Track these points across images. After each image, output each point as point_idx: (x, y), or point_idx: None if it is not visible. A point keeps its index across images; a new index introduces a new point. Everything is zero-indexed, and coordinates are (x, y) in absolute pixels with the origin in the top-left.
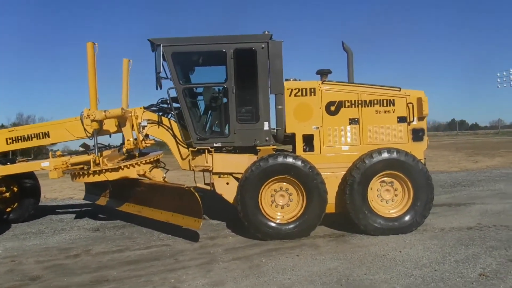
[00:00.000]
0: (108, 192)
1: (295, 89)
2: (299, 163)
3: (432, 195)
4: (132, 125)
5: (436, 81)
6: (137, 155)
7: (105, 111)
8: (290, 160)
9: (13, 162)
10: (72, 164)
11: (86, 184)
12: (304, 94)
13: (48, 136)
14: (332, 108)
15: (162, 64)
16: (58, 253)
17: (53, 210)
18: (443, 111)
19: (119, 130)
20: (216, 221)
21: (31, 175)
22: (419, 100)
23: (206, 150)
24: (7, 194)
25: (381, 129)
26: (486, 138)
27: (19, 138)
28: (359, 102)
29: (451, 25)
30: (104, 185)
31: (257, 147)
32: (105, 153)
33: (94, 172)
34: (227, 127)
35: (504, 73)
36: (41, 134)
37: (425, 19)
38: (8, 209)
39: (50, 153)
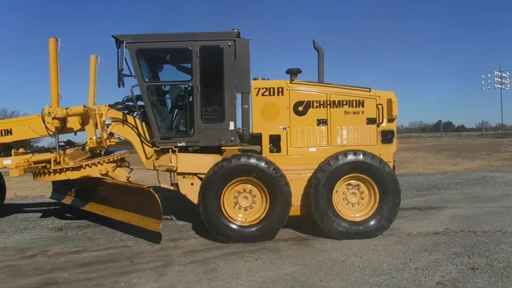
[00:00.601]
0: (73, 191)
1: (262, 88)
2: (262, 164)
3: (398, 199)
4: (96, 123)
5: (424, 82)
6: (103, 154)
7: (66, 109)
8: (253, 161)
9: None
10: (35, 162)
11: (53, 182)
12: (271, 94)
13: (11, 134)
14: (300, 108)
15: (126, 61)
16: (14, 253)
17: (20, 208)
18: (431, 113)
19: (83, 128)
20: (182, 222)
21: None
22: (389, 102)
23: (170, 150)
24: None
25: (349, 131)
26: (469, 140)
27: None
28: (328, 102)
29: (440, 25)
30: (70, 184)
31: (222, 147)
32: (68, 151)
33: (55, 171)
34: (191, 126)
35: (489, 75)
36: (3, 131)
37: (414, 17)
38: None
39: (12, 150)
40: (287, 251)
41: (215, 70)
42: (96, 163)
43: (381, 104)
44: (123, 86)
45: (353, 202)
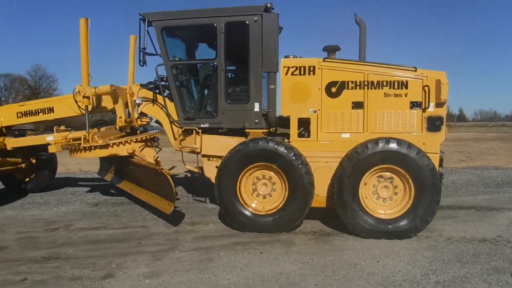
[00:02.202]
0: (113, 168)
1: (292, 67)
2: (281, 149)
3: (438, 197)
4: (126, 102)
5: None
6: (138, 133)
7: (95, 88)
8: (271, 145)
9: (23, 135)
10: (73, 139)
11: (100, 159)
12: (301, 73)
13: (53, 111)
14: (333, 90)
15: (151, 40)
16: (41, 225)
17: (75, 182)
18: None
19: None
20: (212, 205)
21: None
22: (438, 83)
23: (194, 131)
24: (23, 165)
25: (389, 116)
26: None
27: (28, 112)
28: (365, 83)
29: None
30: (112, 161)
31: (246, 130)
32: (102, 129)
33: (85, 148)
34: (215, 107)
35: None
36: (46, 109)
37: None
38: (27, 179)
39: (54, 127)
40: (299, 246)
41: (241, 47)
42: (123, 142)
43: (427, 86)
44: (146, 65)
45: (384, 197)
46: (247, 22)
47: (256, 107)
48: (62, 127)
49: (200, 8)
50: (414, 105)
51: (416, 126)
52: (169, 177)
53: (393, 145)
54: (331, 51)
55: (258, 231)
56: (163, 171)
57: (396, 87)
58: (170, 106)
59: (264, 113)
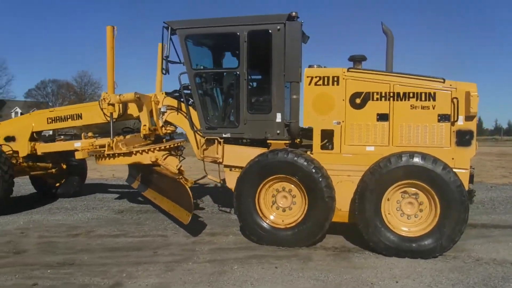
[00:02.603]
0: (140, 176)
1: (315, 77)
2: (301, 161)
3: (465, 215)
4: (151, 111)
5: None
6: (164, 141)
7: (119, 95)
8: (291, 157)
9: (53, 140)
10: (99, 146)
11: (129, 166)
12: (325, 83)
13: (81, 118)
14: (358, 101)
15: (175, 48)
16: (64, 231)
17: (106, 188)
18: None
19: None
20: (236, 217)
21: None
22: (467, 95)
23: (216, 141)
24: (53, 170)
25: (416, 129)
26: None
27: (57, 118)
28: (391, 94)
29: None
30: (140, 168)
31: (268, 141)
32: (128, 137)
33: (109, 156)
34: (237, 117)
35: None
36: (75, 115)
37: None
38: (57, 184)
39: (82, 134)
40: (317, 262)
41: (263, 57)
42: (147, 150)
43: (456, 98)
44: (168, 73)
45: (409, 213)
46: (270, 31)
47: (278, 118)
48: (90, 134)
49: (224, 17)
50: (442, 118)
51: (445, 140)
52: (187, 187)
53: (417, 160)
54: (357, 61)
55: (277, 244)
56: (181, 180)
57: (423, 99)
58: (194, 115)
59: (286, 124)
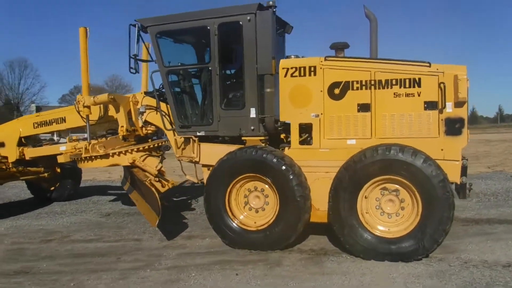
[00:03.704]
0: (129, 178)
1: (291, 68)
2: (270, 159)
3: (449, 213)
4: (130, 111)
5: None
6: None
7: (94, 97)
8: (259, 154)
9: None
10: (79, 149)
11: (124, 168)
12: (302, 74)
13: (65, 121)
14: (337, 91)
15: (146, 46)
16: (40, 236)
17: (105, 191)
18: None
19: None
20: None
21: None
22: (455, 79)
23: (191, 139)
24: (45, 174)
25: (400, 118)
26: None
27: (43, 122)
28: (372, 82)
29: None
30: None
31: (243, 138)
32: (110, 139)
33: (86, 159)
34: (210, 113)
35: None
36: (59, 119)
37: None
38: (52, 188)
39: (67, 138)
40: (284, 268)
41: (235, 50)
42: (124, 152)
43: (444, 83)
44: (138, 72)
45: (389, 212)
46: (240, 22)
47: (252, 113)
48: (74, 137)
49: (195, 10)
50: (429, 105)
51: (432, 129)
52: (153, 189)
53: (394, 153)
54: (339, 48)
55: (249, 248)
56: (146, 182)
57: (407, 85)
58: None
59: (261, 119)
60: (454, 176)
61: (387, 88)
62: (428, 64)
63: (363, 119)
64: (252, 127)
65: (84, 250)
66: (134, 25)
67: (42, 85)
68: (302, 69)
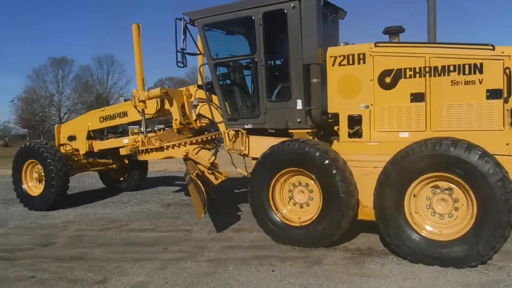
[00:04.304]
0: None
1: (339, 56)
2: (313, 153)
3: (509, 218)
4: (183, 105)
5: None
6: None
7: (147, 91)
8: (302, 148)
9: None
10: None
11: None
12: (350, 63)
13: (126, 115)
14: (388, 80)
15: (193, 39)
16: (101, 225)
17: (172, 181)
18: None
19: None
20: None
21: None
22: None
23: (240, 132)
24: (114, 165)
25: (459, 109)
26: None
27: (108, 117)
28: (426, 69)
29: None
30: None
31: (289, 130)
32: (166, 132)
33: (143, 151)
34: (257, 106)
35: None
36: (121, 113)
37: None
38: (121, 179)
39: (129, 131)
40: (322, 267)
41: (280, 39)
42: (177, 145)
43: (509, 68)
44: (185, 66)
45: (441, 212)
46: (284, 10)
47: (299, 105)
48: (136, 130)
49: (240, 0)
50: (492, 94)
51: (496, 121)
52: (199, 182)
53: (445, 147)
54: (392, 33)
55: (292, 244)
56: (192, 175)
57: (466, 72)
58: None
59: (308, 111)
60: None
61: (444, 75)
62: (491, 47)
63: (417, 110)
64: (298, 119)
65: (137, 239)
66: (180, 19)
67: (128, 79)
68: (350, 57)
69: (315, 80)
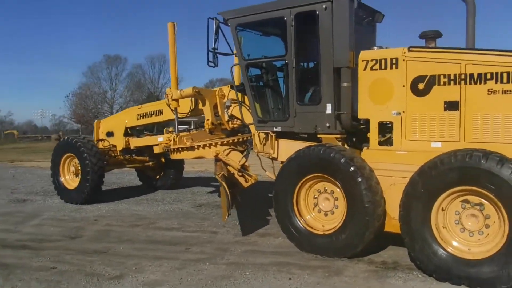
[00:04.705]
0: None
1: (371, 60)
2: (338, 159)
3: None
4: (216, 105)
5: None
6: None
7: (180, 90)
8: (327, 154)
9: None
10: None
11: None
12: (382, 67)
13: (162, 114)
14: (421, 86)
15: (226, 39)
16: (131, 221)
17: (207, 182)
18: None
19: (214, 110)
20: None
21: None
22: None
23: (269, 135)
24: (150, 163)
25: (496, 119)
26: None
27: (144, 114)
28: (462, 76)
29: None
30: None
31: (318, 135)
32: (198, 132)
33: (175, 150)
34: (287, 109)
35: None
36: (157, 111)
37: None
38: (157, 177)
39: (164, 129)
40: (341, 278)
41: (312, 41)
42: (208, 145)
43: None
44: (216, 66)
45: (471, 229)
46: (316, 11)
47: (328, 109)
48: (170, 129)
49: (273, 0)
50: None
51: None
52: (224, 185)
53: (476, 159)
54: (429, 38)
55: (315, 252)
56: (218, 177)
57: (505, 80)
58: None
59: (337, 116)
60: None
61: (480, 83)
62: None
63: (451, 119)
64: (327, 124)
65: (161, 238)
66: (213, 18)
67: (180, 79)
68: (383, 61)
69: (345, 84)
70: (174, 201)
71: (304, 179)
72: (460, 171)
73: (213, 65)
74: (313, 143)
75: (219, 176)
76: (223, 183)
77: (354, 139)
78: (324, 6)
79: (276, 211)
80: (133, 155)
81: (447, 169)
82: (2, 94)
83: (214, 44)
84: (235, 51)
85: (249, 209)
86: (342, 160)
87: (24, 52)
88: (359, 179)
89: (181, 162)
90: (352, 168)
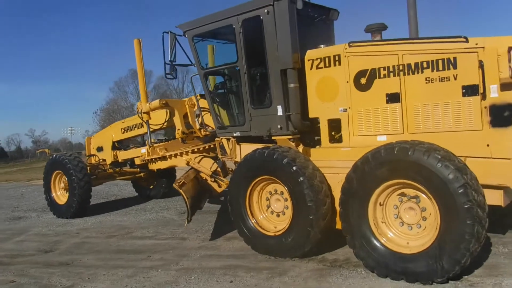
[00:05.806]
0: None
1: (316, 59)
2: (281, 160)
3: (472, 230)
4: (186, 114)
5: None
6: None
7: (149, 103)
8: (271, 155)
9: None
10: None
11: None
12: (327, 65)
13: (143, 126)
14: (363, 81)
15: (184, 51)
16: (109, 232)
17: None
18: None
19: (185, 120)
20: None
21: None
22: (498, 54)
23: (231, 140)
24: (141, 174)
25: (435, 108)
26: None
27: (128, 128)
28: (400, 67)
29: None
30: None
31: (273, 137)
32: (172, 142)
33: (149, 161)
34: (242, 114)
35: None
36: (138, 124)
37: None
38: (151, 187)
39: (146, 141)
40: (282, 279)
41: (258, 46)
42: (179, 154)
43: (481, 61)
44: (175, 78)
45: (409, 222)
46: (260, 16)
47: (279, 111)
48: (153, 140)
49: (223, 9)
50: (468, 90)
51: (474, 120)
52: (182, 192)
53: (402, 151)
54: (374, 31)
55: (268, 254)
56: (175, 185)
57: (440, 67)
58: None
59: (287, 117)
60: (506, 178)
61: (418, 73)
62: (464, 39)
63: (393, 112)
64: (279, 126)
65: (130, 247)
66: (167, 32)
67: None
68: (326, 59)
69: (292, 85)
70: (162, 209)
71: (254, 182)
72: (390, 164)
73: (171, 77)
74: (269, 145)
75: (177, 185)
76: (181, 191)
77: (316, 138)
78: (266, 11)
79: (232, 215)
80: (127, 166)
81: (378, 164)
82: (36, 114)
83: (171, 57)
84: (194, 62)
85: (225, 214)
86: (284, 161)
87: (56, 71)
88: (301, 179)
89: (172, 171)
90: (294, 168)
